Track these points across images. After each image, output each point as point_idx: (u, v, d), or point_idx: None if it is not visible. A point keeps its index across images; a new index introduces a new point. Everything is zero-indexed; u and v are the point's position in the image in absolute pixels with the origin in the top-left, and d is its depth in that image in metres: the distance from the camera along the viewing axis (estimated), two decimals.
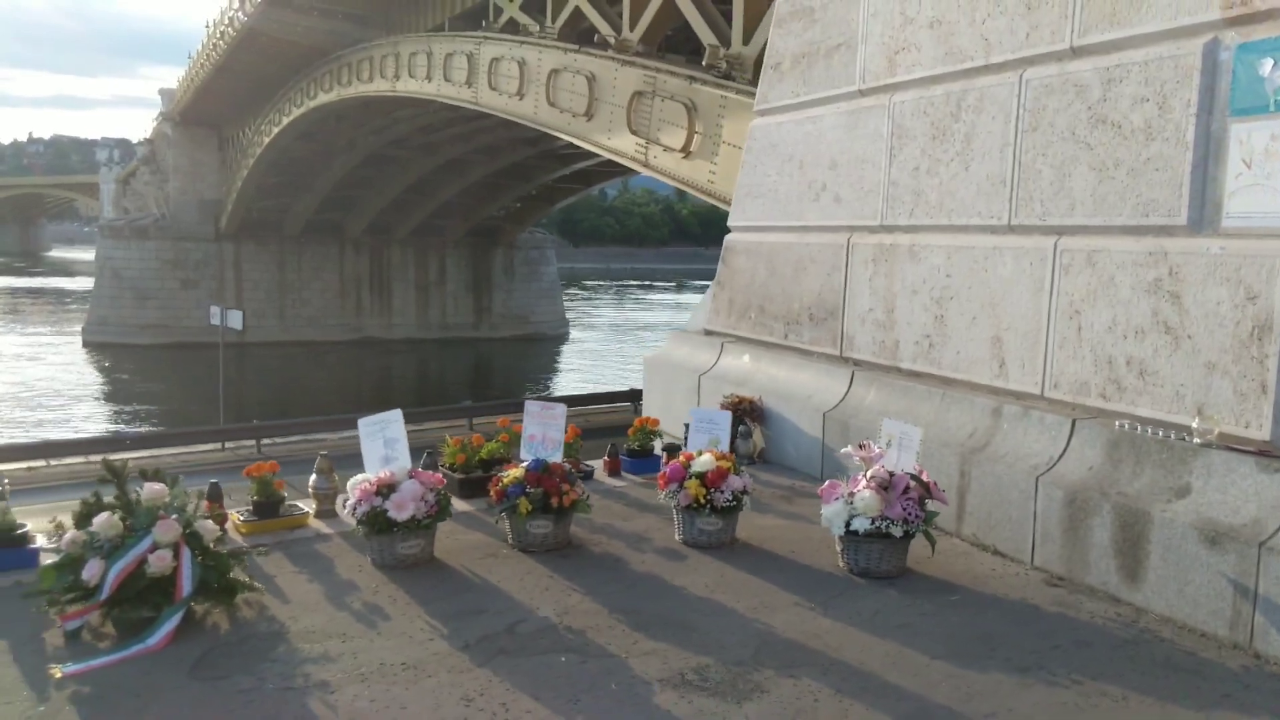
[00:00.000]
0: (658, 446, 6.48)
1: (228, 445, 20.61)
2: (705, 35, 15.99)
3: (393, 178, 45.05)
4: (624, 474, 6.26)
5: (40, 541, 4.39)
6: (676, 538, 4.93)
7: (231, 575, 3.95)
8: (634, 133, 17.78)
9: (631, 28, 18.24)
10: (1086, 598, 4.26)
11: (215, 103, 44.29)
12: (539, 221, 56.87)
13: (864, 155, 6.15)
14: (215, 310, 20.71)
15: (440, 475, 4.73)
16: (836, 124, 6.40)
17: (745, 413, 6.57)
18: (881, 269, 6.00)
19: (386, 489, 4.45)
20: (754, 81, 15.19)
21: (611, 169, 45.57)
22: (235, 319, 20.17)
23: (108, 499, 3.94)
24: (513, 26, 22.93)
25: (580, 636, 3.80)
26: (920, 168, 5.72)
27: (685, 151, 16.37)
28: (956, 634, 3.87)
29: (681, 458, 4.98)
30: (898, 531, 4.36)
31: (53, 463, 19.49)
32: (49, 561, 3.82)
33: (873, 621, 3.99)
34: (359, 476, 4.60)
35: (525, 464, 4.83)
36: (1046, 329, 4.90)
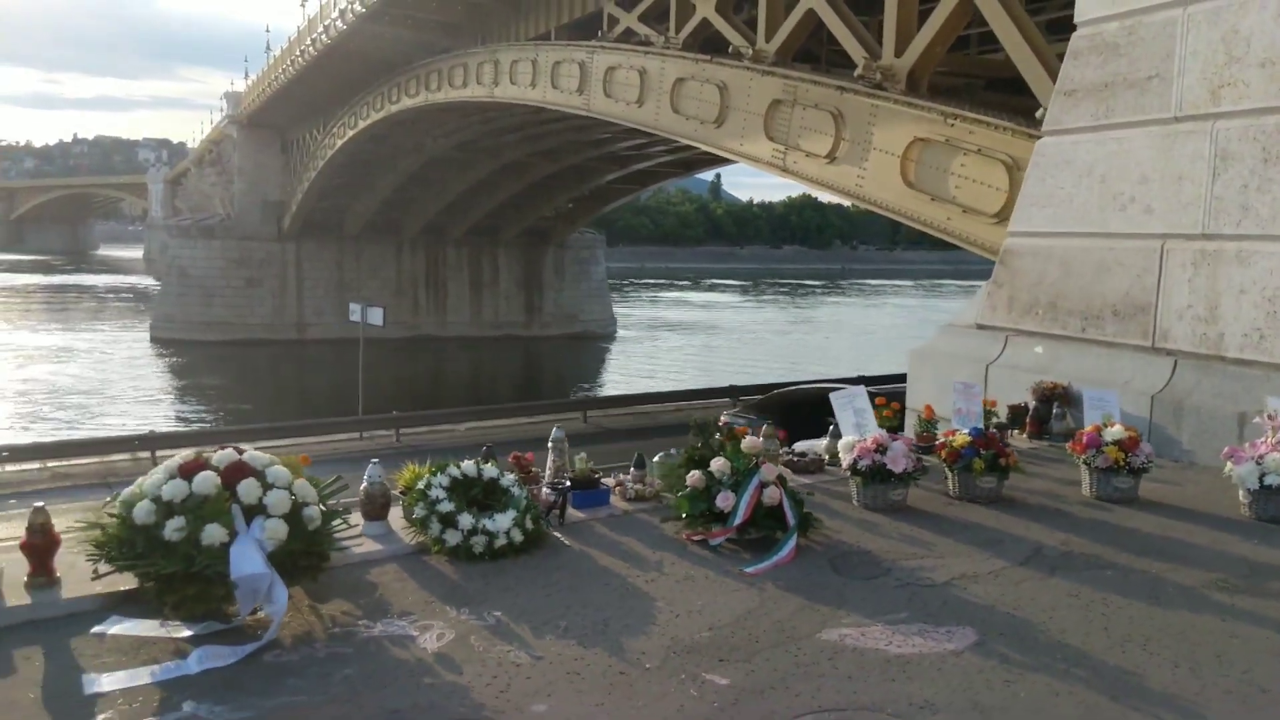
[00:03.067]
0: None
1: (365, 435, 21.69)
2: (855, 50, 16.95)
3: (453, 179, 46.17)
4: None
5: (607, 484, 5.43)
6: (1086, 493, 5.91)
7: (806, 510, 4.95)
8: (771, 139, 18.76)
9: (767, 39, 19.21)
10: None
11: (286, 107, 45.44)
12: (588, 222, 58.01)
13: (1181, 173, 7.13)
14: (355, 308, 21.59)
15: (911, 439, 5.71)
16: (1147, 144, 7.38)
17: (1057, 397, 7.54)
18: (1202, 272, 6.98)
19: (882, 448, 5.44)
20: (907, 92, 16.17)
21: (666, 171, 46.56)
22: (375, 315, 21.04)
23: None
24: (627, 36, 23.93)
25: (1099, 559, 4.77)
26: (1249, 186, 6.70)
27: (830, 157, 17.29)
28: None
29: (1090, 428, 5.96)
30: None
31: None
32: (682, 493, 4.82)
33: None
34: (849, 438, 5.60)
35: (966, 431, 5.82)
36: None
